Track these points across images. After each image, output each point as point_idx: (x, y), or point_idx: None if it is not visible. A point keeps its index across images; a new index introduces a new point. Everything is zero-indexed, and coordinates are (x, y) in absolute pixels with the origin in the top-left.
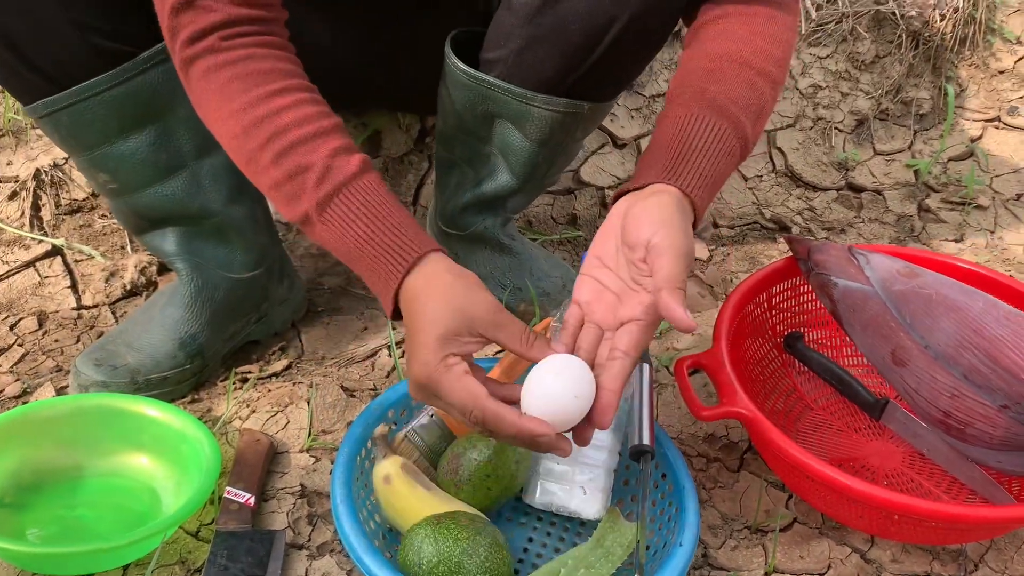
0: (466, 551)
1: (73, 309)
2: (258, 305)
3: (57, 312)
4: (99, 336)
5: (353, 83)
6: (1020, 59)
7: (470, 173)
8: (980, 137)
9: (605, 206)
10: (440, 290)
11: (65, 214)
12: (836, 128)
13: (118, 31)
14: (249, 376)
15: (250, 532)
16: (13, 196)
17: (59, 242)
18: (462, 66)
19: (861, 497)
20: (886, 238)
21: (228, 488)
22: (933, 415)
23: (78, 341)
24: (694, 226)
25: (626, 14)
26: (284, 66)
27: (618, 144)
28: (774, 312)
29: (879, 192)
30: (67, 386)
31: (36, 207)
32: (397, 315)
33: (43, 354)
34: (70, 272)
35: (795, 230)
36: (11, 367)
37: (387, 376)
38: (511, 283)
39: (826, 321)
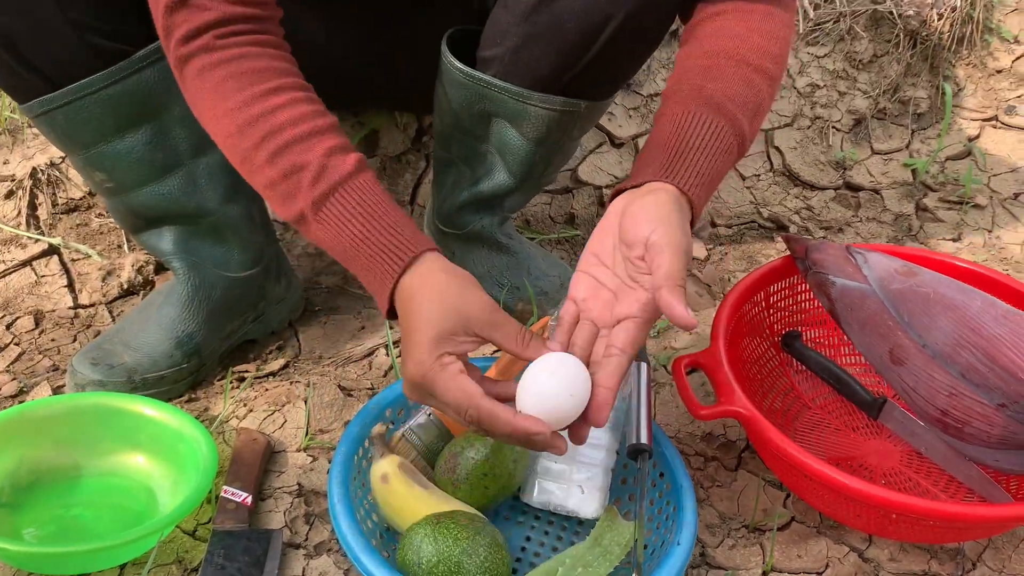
0: (466, 551)
1: (70, 308)
2: (255, 304)
3: (54, 311)
4: (96, 335)
5: (349, 82)
6: (1018, 58)
7: (467, 172)
8: (978, 136)
9: (603, 205)
10: (435, 289)
11: (62, 213)
12: (834, 127)
13: (117, 31)
14: (246, 375)
15: (247, 531)
16: (10, 195)
17: (56, 241)
18: (458, 64)
19: (859, 496)
20: (884, 237)
21: (225, 487)
22: (931, 414)
23: (75, 340)
24: (692, 224)
25: (622, 12)
26: (279, 65)
27: (616, 143)
28: (772, 311)
29: (877, 191)
30: (64, 385)
31: (33, 206)
32: (393, 314)
33: (40, 353)
34: (67, 271)
35: (793, 229)
36: (7, 366)
37: (384, 375)
38: (509, 282)
39: (824, 320)
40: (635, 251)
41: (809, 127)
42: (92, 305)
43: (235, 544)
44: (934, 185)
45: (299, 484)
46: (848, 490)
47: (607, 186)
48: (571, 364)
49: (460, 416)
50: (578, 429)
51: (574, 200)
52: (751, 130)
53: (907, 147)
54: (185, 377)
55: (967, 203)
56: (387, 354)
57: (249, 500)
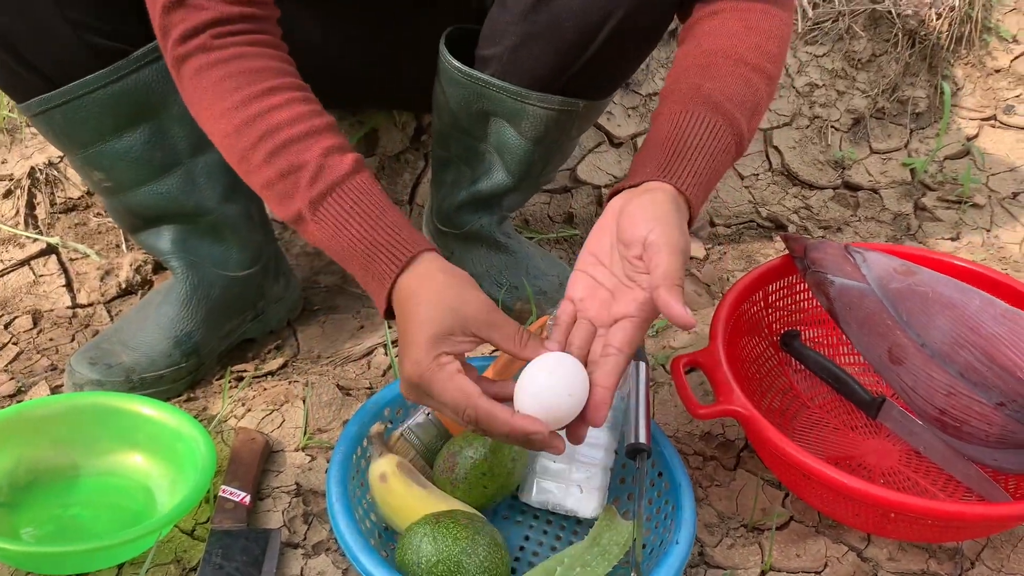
0: (465, 550)
1: (68, 308)
2: (254, 303)
3: (52, 311)
4: (94, 335)
5: (347, 81)
6: (1016, 58)
7: (466, 171)
8: (976, 136)
9: (602, 204)
10: (433, 289)
11: (60, 212)
12: (832, 127)
13: (117, 31)
14: (245, 374)
15: (245, 531)
16: (8, 194)
17: (54, 240)
18: (456, 64)
19: (857, 495)
20: (882, 236)
21: (223, 487)
22: (929, 413)
23: (73, 340)
24: (689, 223)
25: (620, 10)
26: (276, 64)
27: (615, 142)
28: (770, 310)
29: (875, 191)
30: (62, 385)
31: (31, 205)
32: (390, 314)
33: (38, 353)
34: (65, 271)
35: (791, 228)
36: (6, 366)
37: (383, 375)
38: (507, 281)
39: (822, 319)
40: (633, 250)
41: (808, 126)
42: (90, 304)
43: (233, 544)
44: (933, 184)
45: (297, 483)
46: (847, 489)
47: (606, 185)
48: (569, 364)
49: (458, 416)
50: (576, 428)
51: (573, 199)
52: (749, 129)
53: (906, 146)
54: (183, 376)
55: (966, 202)
56: (386, 353)
57: (247, 500)
